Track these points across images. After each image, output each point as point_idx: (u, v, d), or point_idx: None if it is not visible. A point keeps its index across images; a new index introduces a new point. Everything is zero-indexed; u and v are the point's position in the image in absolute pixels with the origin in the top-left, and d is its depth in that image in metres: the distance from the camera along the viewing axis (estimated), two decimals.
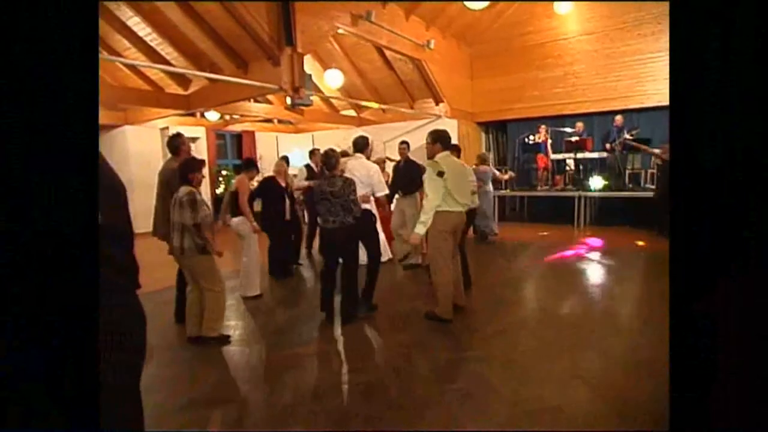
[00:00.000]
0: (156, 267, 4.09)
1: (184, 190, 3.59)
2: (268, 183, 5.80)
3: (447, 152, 4.00)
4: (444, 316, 3.98)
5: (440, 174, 3.80)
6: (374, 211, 4.55)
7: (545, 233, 8.68)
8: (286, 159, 6.61)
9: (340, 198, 3.91)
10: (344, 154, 5.17)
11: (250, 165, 5.55)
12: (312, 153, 7.11)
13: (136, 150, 9.37)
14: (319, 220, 4.16)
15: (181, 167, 3.70)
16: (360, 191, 4.12)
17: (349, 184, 3.95)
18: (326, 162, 4.05)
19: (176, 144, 4.18)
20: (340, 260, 4.17)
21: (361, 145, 4.54)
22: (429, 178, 3.87)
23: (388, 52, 9.03)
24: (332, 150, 4.12)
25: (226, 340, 3.78)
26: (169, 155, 4.26)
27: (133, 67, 7.50)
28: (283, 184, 5.83)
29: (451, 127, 9.17)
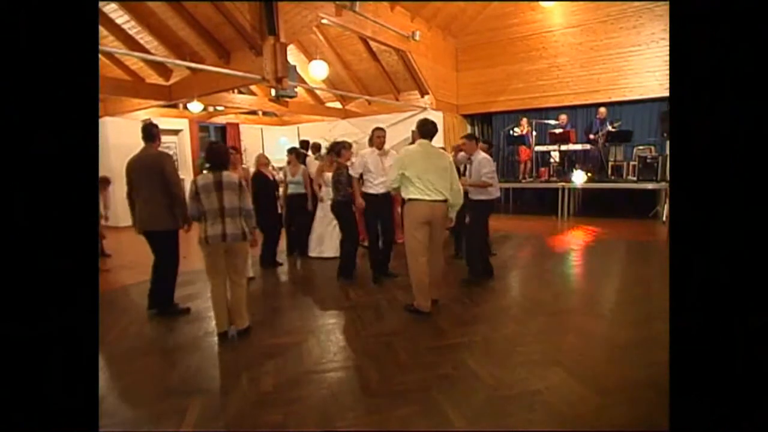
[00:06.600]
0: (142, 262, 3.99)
1: (232, 175, 3.49)
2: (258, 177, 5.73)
3: (424, 140, 3.99)
4: (421, 308, 3.94)
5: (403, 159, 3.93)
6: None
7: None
8: (295, 150, 6.42)
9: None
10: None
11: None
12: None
13: (116, 142, 9.09)
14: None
15: (221, 153, 3.58)
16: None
17: (343, 169, 5.13)
18: (332, 151, 5.33)
19: (154, 132, 4.04)
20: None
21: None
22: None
23: (373, 44, 8.96)
24: (340, 142, 5.38)
25: (249, 330, 3.66)
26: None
27: (111, 56, 7.24)
28: (271, 178, 5.79)
29: (437, 119, 9.17)
